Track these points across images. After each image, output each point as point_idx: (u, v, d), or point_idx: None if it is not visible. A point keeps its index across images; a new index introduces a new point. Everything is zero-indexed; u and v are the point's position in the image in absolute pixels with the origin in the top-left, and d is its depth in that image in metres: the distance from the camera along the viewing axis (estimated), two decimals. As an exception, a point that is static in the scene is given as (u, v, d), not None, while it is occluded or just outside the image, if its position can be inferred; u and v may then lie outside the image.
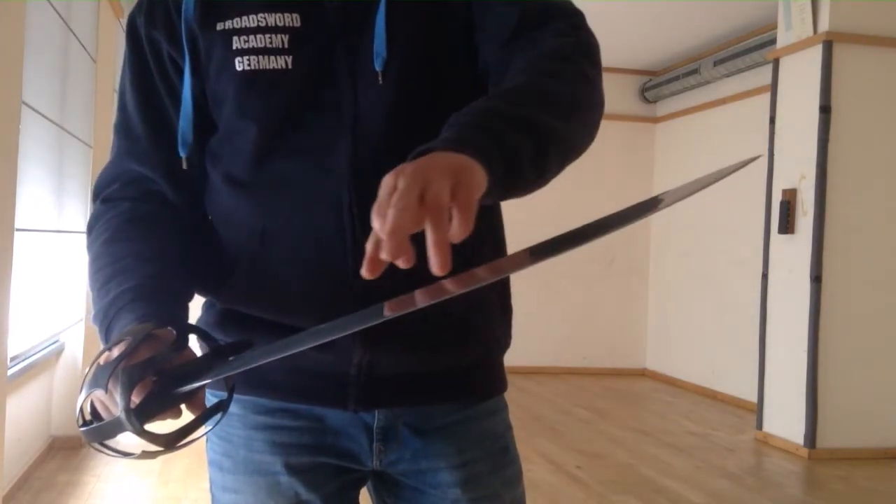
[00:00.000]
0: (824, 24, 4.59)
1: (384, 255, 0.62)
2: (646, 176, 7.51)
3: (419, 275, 0.64)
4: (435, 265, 0.62)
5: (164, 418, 0.79)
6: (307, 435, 0.99)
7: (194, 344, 0.88)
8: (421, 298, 0.66)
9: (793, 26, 4.78)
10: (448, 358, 1.00)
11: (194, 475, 3.75)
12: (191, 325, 0.87)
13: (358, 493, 1.06)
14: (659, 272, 7.42)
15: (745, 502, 3.84)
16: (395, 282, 0.69)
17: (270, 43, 0.93)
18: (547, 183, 0.84)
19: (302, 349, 0.73)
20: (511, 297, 1.09)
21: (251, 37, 0.93)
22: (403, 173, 0.65)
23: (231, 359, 0.81)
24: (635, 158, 7.49)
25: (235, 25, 0.93)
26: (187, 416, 0.82)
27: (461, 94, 0.92)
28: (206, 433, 0.88)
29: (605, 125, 0.94)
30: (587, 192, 6.92)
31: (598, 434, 5.09)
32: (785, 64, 4.90)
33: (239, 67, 0.93)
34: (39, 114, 3.56)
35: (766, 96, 5.15)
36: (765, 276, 5.01)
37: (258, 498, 0.99)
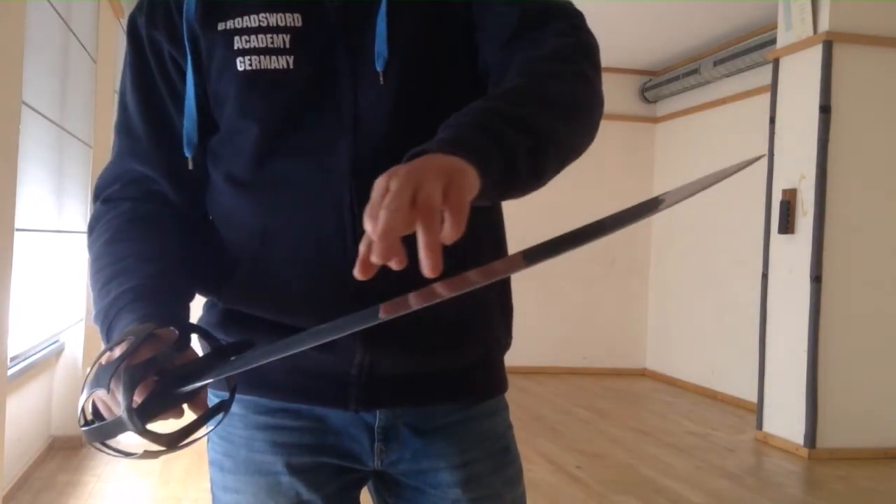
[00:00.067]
0: (824, 24, 4.59)
1: (374, 258, 0.62)
2: (646, 176, 7.51)
3: (420, 276, 0.64)
4: (426, 267, 0.62)
5: (166, 418, 0.79)
6: (308, 435, 0.99)
7: (195, 344, 0.88)
8: (414, 301, 0.66)
9: (793, 26, 4.78)
10: (449, 358, 1.00)
11: (194, 475, 3.75)
12: (192, 325, 0.87)
13: (359, 493, 1.06)
14: (659, 272, 7.42)
15: (745, 502, 3.84)
16: (396, 282, 0.69)
17: (272, 43, 0.93)
18: (545, 183, 0.84)
19: (303, 349, 0.73)
20: (512, 297, 1.09)
21: (252, 37, 0.93)
22: (396, 175, 0.65)
23: (232, 359, 0.81)
24: (635, 158, 7.50)
25: (237, 25, 0.93)
26: (189, 415, 0.82)
27: (461, 94, 0.92)
28: (207, 433, 0.88)
29: (605, 125, 0.94)
30: (587, 192, 6.92)
31: (598, 434, 5.09)
32: (785, 64, 4.90)
33: (240, 67, 0.93)
34: (39, 114, 3.56)
35: (766, 96, 5.15)
36: (765, 276, 5.01)
37: (259, 498, 0.99)
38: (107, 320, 0.88)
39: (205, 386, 0.80)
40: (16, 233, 2.55)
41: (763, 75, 5.60)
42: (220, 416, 0.84)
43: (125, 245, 0.94)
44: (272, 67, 0.93)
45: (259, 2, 0.94)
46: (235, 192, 0.97)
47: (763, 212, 5.04)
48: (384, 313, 0.67)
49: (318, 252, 0.93)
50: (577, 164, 0.93)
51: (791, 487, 4.15)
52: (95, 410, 0.82)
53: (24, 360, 3.53)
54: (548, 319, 7.22)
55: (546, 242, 0.66)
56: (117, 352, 0.78)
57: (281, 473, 0.99)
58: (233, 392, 0.87)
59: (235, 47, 0.93)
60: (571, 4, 0.98)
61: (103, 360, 0.79)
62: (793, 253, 4.76)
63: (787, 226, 4.77)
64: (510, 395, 1.09)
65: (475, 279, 0.65)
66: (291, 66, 0.93)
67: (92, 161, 4.58)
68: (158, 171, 0.99)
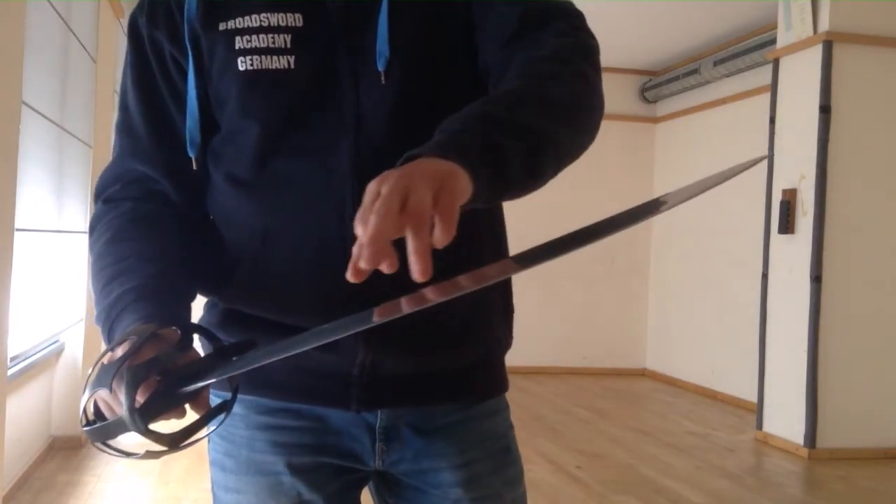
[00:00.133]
0: (824, 24, 4.59)
1: (362, 263, 0.63)
2: (646, 176, 7.51)
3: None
4: (415, 272, 0.62)
5: (168, 418, 0.79)
6: (309, 435, 0.99)
7: (197, 344, 0.88)
8: (406, 305, 0.66)
9: (793, 26, 4.78)
10: (450, 358, 1.00)
11: (194, 475, 3.75)
12: (195, 325, 0.87)
13: (359, 493, 1.06)
14: (659, 272, 7.42)
15: (745, 502, 3.84)
16: (397, 282, 0.69)
17: (273, 43, 0.93)
18: (544, 184, 0.84)
19: (305, 349, 0.73)
20: (513, 297, 1.09)
21: (254, 37, 0.93)
22: (387, 180, 0.66)
23: (235, 359, 0.81)
24: (635, 158, 7.50)
25: (238, 25, 0.93)
26: (191, 415, 0.82)
27: (461, 94, 0.92)
28: (209, 433, 0.88)
29: (604, 125, 0.94)
30: (587, 192, 6.92)
31: (598, 434, 5.10)
32: (785, 64, 4.90)
33: (242, 67, 0.93)
34: (39, 114, 3.56)
35: (766, 96, 5.16)
36: (765, 276, 5.01)
37: (260, 498, 0.99)
38: (108, 320, 0.88)
39: (207, 386, 0.80)
40: (16, 233, 2.55)
41: (763, 75, 5.60)
42: (222, 416, 0.84)
43: (126, 245, 0.94)
44: (273, 67, 0.93)
45: (260, 2, 0.94)
46: (236, 191, 0.97)
47: (763, 212, 5.05)
48: (378, 317, 0.68)
49: (319, 252, 0.93)
50: (577, 164, 0.93)
51: (791, 487, 4.15)
52: (97, 410, 0.82)
53: (24, 360, 3.53)
54: (548, 319, 7.22)
55: (539, 246, 0.66)
56: (119, 352, 0.78)
57: (282, 473, 0.99)
58: (235, 392, 0.87)
59: (237, 47, 0.93)
60: (572, 4, 0.98)
61: (105, 360, 0.79)
62: (793, 253, 4.76)
63: (787, 226, 4.77)
64: (510, 395, 1.09)
65: (466, 284, 0.65)
66: (293, 66, 0.93)
67: (92, 161, 4.58)
68: (159, 171, 0.99)
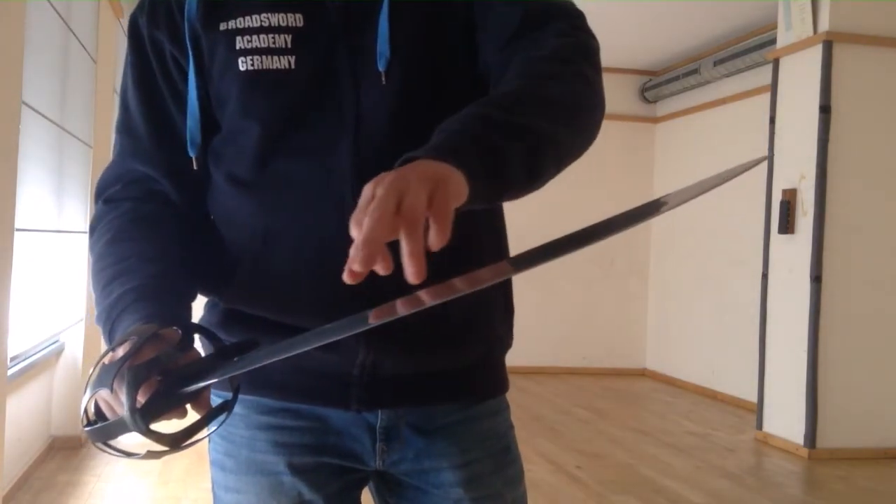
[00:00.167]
0: (824, 24, 4.59)
1: (356, 266, 0.63)
2: (646, 176, 7.52)
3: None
4: (409, 274, 0.62)
5: (169, 418, 0.79)
6: (310, 435, 0.99)
7: (198, 344, 0.88)
8: (402, 308, 0.67)
9: (793, 26, 4.78)
10: (451, 358, 1.00)
11: (194, 475, 3.75)
12: (195, 325, 0.87)
13: (360, 493, 1.06)
14: (659, 272, 7.42)
15: (745, 502, 3.84)
16: (399, 283, 0.69)
17: (274, 43, 0.93)
18: (543, 185, 0.84)
19: (307, 349, 0.73)
20: (513, 296, 1.09)
21: (254, 37, 0.93)
22: (382, 182, 0.66)
23: (236, 359, 0.81)
24: (635, 158, 7.50)
25: (239, 25, 0.93)
26: (192, 416, 0.82)
27: (462, 94, 0.92)
28: (210, 433, 0.88)
29: (604, 125, 0.94)
30: (587, 192, 6.92)
31: (598, 434, 5.10)
32: (785, 64, 4.90)
33: (242, 67, 0.93)
34: (39, 114, 3.56)
35: (766, 96, 5.16)
36: (765, 276, 5.01)
37: (261, 498, 0.99)
38: (109, 320, 0.88)
39: (208, 386, 0.80)
40: (16, 233, 2.55)
41: (763, 75, 5.61)
42: (224, 416, 0.84)
43: (127, 245, 0.94)
44: (274, 67, 0.93)
45: (261, 2, 0.94)
46: (237, 191, 0.97)
47: (763, 212, 5.05)
48: (374, 319, 0.68)
49: (319, 252, 0.93)
50: (577, 164, 0.93)
51: (791, 487, 4.15)
52: (98, 410, 0.82)
53: (24, 360, 3.53)
54: (548, 319, 7.22)
55: (536, 249, 0.66)
56: (120, 352, 0.78)
57: (283, 473, 0.99)
58: (236, 392, 0.87)
59: (237, 47, 0.93)
60: (572, 4, 0.98)
61: (106, 360, 0.79)
62: (793, 253, 4.76)
63: (787, 226, 4.77)
64: (510, 395, 1.09)
65: (461, 286, 0.65)
66: (293, 66, 0.93)
67: (92, 161, 4.58)
68: (160, 171, 0.99)
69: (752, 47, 5.81)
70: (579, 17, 0.97)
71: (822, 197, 4.59)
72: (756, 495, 3.93)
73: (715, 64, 6.30)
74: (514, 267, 0.65)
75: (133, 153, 1.00)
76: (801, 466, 4.46)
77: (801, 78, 4.75)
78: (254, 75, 0.93)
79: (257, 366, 0.77)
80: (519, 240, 1.11)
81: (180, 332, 0.82)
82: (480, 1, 0.96)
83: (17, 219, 2.55)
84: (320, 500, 0.99)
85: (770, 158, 4.95)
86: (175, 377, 0.77)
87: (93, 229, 0.99)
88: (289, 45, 0.93)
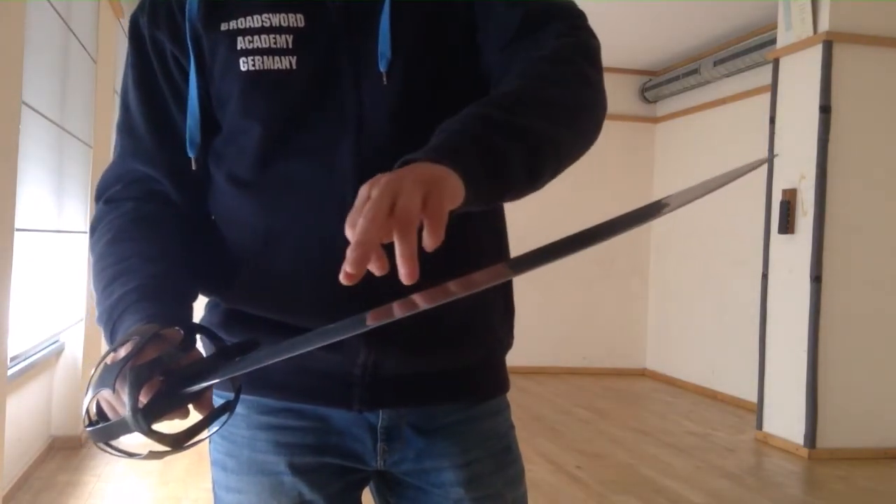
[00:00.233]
0: (824, 24, 4.59)
1: (349, 267, 0.63)
2: (646, 176, 7.52)
3: (424, 278, 0.64)
4: (403, 276, 0.63)
5: (171, 418, 0.78)
6: (311, 435, 0.99)
7: (199, 344, 0.88)
8: (398, 310, 0.67)
9: (793, 26, 4.78)
10: (452, 358, 1.00)
11: (194, 475, 3.75)
12: (197, 325, 0.87)
13: (361, 493, 1.06)
14: (659, 272, 7.42)
15: (745, 502, 3.84)
16: (399, 283, 0.69)
17: (275, 43, 0.93)
18: (544, 185, 0.84)
19: (309, 349, 0.73)
20: (514, 297, 1.09)
21: (256, 37, 0.93)
22: (377, 184, 0.66)
23: (238, 359, 0.81)
24: (635, 158, 7.50)
25: (240, 25, 0.93)
26: (194, 416, 0.82)
27: (463, 94, 0.92)
28: (212, 433, 0.88)
29: (604, 125, 0.94)
30: (587, 192, 6.93)
31: (598, 434, 5.10)
32: (785, 64, 4.90)
33: (243, 68, 0.93)
34: (39, 114, 3.56)
35: (766, 96, 5.16)
36: (765, 276, 5.01)
37: (262, 498, 0.99)
38: (110, 321, 0.88)
39: (210, 386, 0.80)
40: (16, 233, 2.55)
41: (763, 75, 5.61)
42: (225, 416, 0.84)
43: (128, 245, 0.94)
44: (275, 68, 0.93)
45: (262, 2, 0.94)
46: (238, 192, 0.97)
47: (763, 212, 5.05)
48: (371, 320, 0.68)
49: (321, 252, 0.93)
50: (577, 165, 0.93)
51: (791, 487, 4.15)
52: (100, 411, 0.82)
53: (24, 360, 3.53)
54: (548, 319, 7.22)
55: (533, 251, 0.66)
56: (122, 352, 0.78)
57: (283, 473, 0.99)
58: (238, 392, 0.87)
59: (238, 47, 0.93)
60: (573, 4, 0.98)
61: (108, 361, 0.79)
62: (793, 253, 4.76)
63: (787, 226, 4.77)
64: (510, 395, 1.09)
65: (455, 290, 0.65)
66: (294, 67, 0.93)
67: (92, 161, 4.58)
68: (161, 171, 0.99)
69: (752, 47, 5.81)
70: (580, 16, 0.97)
71: (822, 197, 4.59)
72: (756, 495, 3.93)
73: (715, 64, 6.30)
74: (511, 269, 0.65)
75: (134, 153, 1.00)
76: (801, 466, 4.46)
77: (801, 78, 4.75)
78: (255, 76, 0.93)
79: (259, 366, 0.77)
80: (519, 240, 1.11)
81: (182, 332, 0.82)
82: (481, 1, 0.96)
83: (17, 219, 2.55)
84: (321, 501, 0.99)
85: (770, 159, 4.95)
86: (177, 377, 0.77)
87: (93, 229, 0.99)
88: (290, 46, 0.93)
